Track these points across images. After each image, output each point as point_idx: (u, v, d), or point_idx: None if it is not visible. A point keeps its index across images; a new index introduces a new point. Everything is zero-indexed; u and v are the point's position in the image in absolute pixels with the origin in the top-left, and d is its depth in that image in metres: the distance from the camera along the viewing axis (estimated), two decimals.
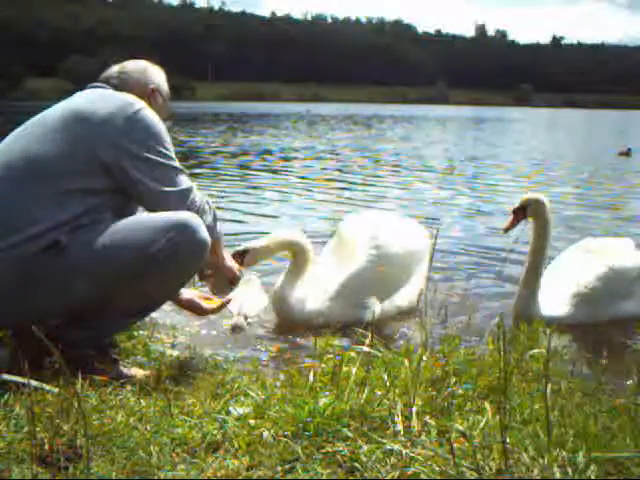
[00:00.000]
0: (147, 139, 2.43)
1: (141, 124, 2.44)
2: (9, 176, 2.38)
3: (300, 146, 17.28)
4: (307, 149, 16.34)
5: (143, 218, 2.44)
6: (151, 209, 2.49)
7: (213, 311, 2.91)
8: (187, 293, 2.89)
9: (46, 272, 2.29)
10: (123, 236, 2.35)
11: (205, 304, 2.88)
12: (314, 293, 3.56)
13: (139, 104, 2.50)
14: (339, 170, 11.80)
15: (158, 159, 2.43)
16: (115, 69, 2.74)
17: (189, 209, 2.44)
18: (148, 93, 2.71)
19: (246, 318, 3.42)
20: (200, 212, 2.47)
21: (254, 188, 9.30)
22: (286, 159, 13.88)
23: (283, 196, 8.53)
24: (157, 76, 2.82)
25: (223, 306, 2.89)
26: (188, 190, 2.48)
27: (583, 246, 3.99)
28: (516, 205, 3.66)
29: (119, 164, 2.39)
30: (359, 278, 3.57)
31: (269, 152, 15.31)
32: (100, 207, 2.40)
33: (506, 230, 3.70)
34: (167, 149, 2.48)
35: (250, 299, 3.62)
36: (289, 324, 3.53)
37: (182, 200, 2.45)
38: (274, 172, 11.41)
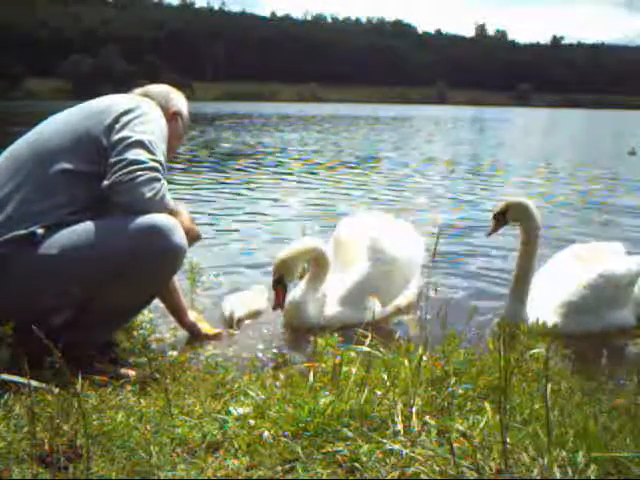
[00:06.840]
0: (142, 128, 2.43)
1: (140, 112, 2.49)
2: (12, 162, 2.47)
3: (297, 146, 17.27)
4: (303, 149, 16.33)
5: (119, 220, 2.38)
6: (111, 191, 2.37)
7: (210, 338, 3.25)
8: (192, 316, 3.24)
9: (19, 264, 2.30)
10: (98, 236, 2.35)
11: (204, 331, 3.24)
12: (326, 299, 3.59)
13: (146, 104, 2.56)
14: (332, 170, 11.78)
15: (139, 149, 2.37)
16: (138, 91, 2.81)
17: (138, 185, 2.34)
18: (170, 116, 2.75)
19: (238, 321, 3.58)
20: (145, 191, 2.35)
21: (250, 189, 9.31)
22: (283, 159, 13.88)
23: (280, 196, 8.54)
24: (179, 100, 2.88)
25: (218, 335, 3.31)
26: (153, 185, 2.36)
27: (572, 252, 3.87)
28: (496, 210, 3.56)
29: (108, 141, 2.39)
30: (368, 283, 3.67)
31: (270, 153, 15.32)
32: (83, 200, 2.40)
33: (489, 235, 3.66)
34: (154, 144, 2.41)
35: (241, 301, 3.70)
36: (302, 330, 3.51)
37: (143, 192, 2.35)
38: (266, 173, 11.41)
